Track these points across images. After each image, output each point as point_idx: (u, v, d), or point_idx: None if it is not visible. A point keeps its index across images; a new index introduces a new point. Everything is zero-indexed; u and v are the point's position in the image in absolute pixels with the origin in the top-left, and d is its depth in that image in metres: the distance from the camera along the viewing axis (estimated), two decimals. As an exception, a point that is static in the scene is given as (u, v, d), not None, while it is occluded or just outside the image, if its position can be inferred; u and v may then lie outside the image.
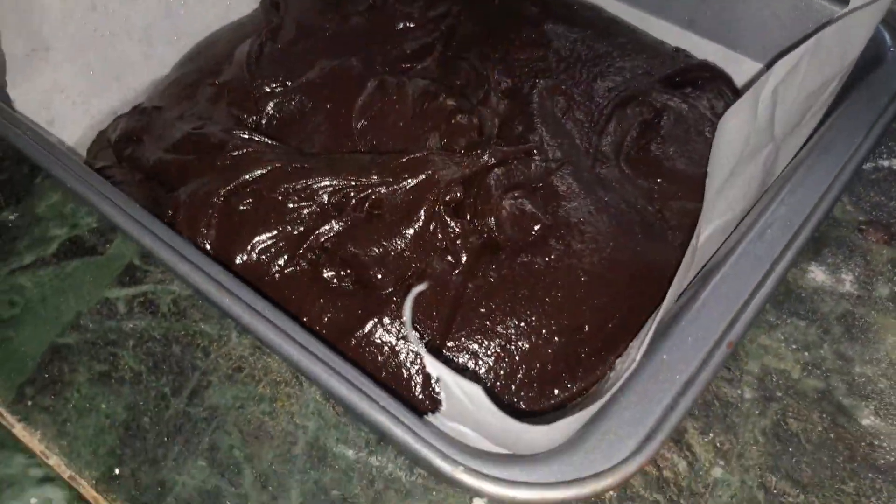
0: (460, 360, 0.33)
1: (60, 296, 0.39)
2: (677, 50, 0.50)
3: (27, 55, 0.41)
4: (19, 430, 0.35)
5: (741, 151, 0.33)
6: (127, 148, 0.42)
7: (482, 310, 0.34)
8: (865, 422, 0.37)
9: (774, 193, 0.36)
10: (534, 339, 0.34)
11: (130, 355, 0.37)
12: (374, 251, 0.35)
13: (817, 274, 0.43)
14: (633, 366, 0.28)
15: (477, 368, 0.33)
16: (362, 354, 0.33)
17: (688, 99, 0.45)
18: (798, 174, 0.36)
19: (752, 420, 0.37)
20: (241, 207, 0.37)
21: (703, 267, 0.35)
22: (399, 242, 0.35)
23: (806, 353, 0.39)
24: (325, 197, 0.37)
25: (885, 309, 0.41)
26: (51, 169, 0.35)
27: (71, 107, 0.44)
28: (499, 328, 0.34)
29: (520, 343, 0.33)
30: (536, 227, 0.36)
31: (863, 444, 0.36)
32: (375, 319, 0.33)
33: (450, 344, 0.33)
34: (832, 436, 0.37)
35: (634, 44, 0.50)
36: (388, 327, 0.33)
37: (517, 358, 0.33)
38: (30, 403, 0.36)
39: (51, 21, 0.42)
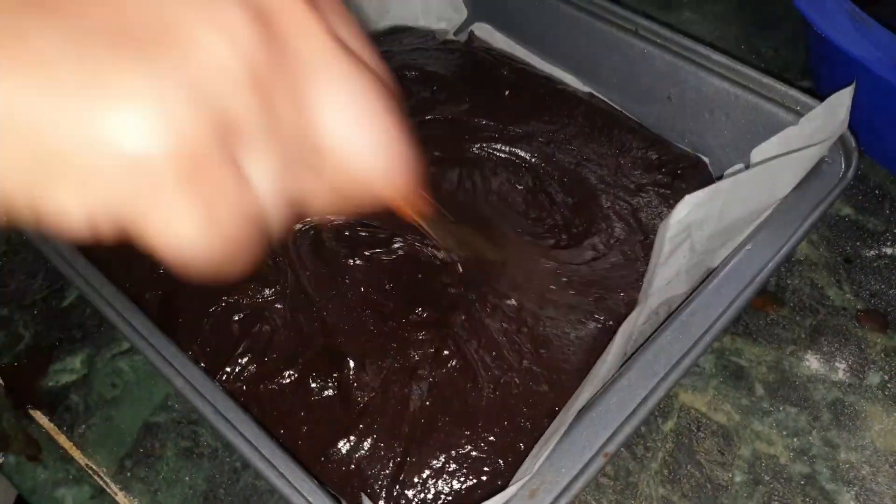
0: (423, 475, 0.39)
1: (151, 379, 0.47)
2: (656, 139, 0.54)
3: None
4: (121, 497, 0.43)
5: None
6: None
7: (439, 423, 0.39)
8: (845, 506, 0.41)
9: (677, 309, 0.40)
10: (481, 445, 0.39)
11: (209, 433, 0.45)
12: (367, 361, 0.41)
13: (812, 362, 0.47)
14: (530, 475, 0.34)
15: (439, 477, 0.39)
16: (333, 468, 0.39)
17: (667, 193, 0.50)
18: (697, 299, 0.40)
19: (739, 502, 0.42)
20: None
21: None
22: (388, 359, 0.41)
23: (795, 440, 0.44)
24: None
25: (874, 397, 0.45)
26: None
27: None
28: (452, 440, 0.39)
29: (469, 450, 0.39)
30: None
31: (841, 527, 0.41)
32: (345, 440, 0.39)
33: (412, 460, 0.39)
34: (813, 519, 0.41)
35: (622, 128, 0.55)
36: (357, 447, 0.39)
37: (468, 462, 0.39)
38: (128, 474, 0.44)
39: None
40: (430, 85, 0.55)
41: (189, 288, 0.45)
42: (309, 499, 0.34)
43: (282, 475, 0.34)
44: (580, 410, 0.36)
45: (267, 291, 0.44)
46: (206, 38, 0.17)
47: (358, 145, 0.20)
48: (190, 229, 0.18)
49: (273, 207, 0.19)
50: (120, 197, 0.17)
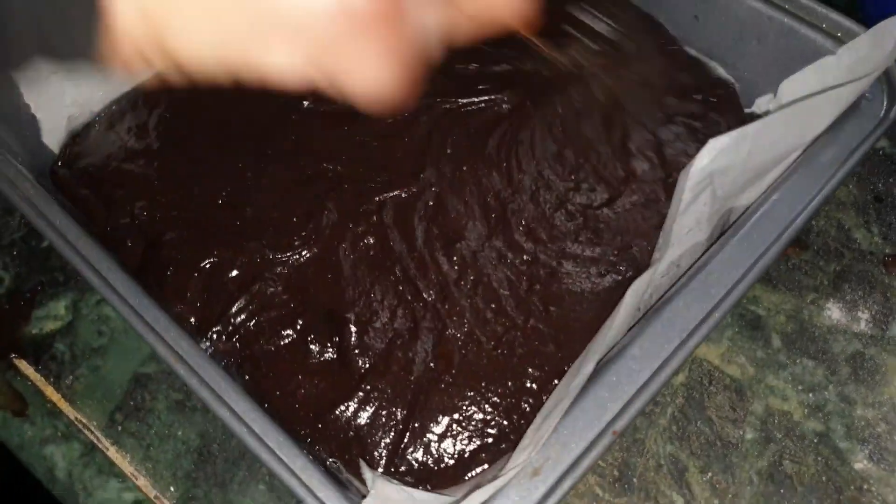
0: (426, 438, 0.37)
1: (139, 327, 0.45)
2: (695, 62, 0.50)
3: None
4: (112, 452, 0.42)
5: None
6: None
7: (441, 385, 0.38)
8: (858, 466, 0.40)
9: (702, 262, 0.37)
10: (486, 408, 0.38)
11: (200, 385, 0.43)
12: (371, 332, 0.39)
13: (834, 311, 0.44)
14: (533, 448, 0.32)
15: (442, 442, 0.37)
16: (331, 435, 0.37)
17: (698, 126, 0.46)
18: (718, 256, 0.37)
19: (749, 461, 0.40)
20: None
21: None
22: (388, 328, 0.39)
23: (810, 395, 0.42)
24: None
25: (896, 350, 0.43)
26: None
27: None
28: (457, 402, 0.38)
29: (473, 412, 0.38)
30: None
31: (852, 487, 0.40)
32: (345, 405, 0.37)
33: (415, 424, 0.37)
34: (824, 478, 0.40)
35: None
36: (357, 413, 0.38)
37: (472, 425, 0.37)
38: (119, 429, 0.42)
39: None
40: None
41: (176, 239, 0.42)
42: (300, 475, 0.32)
43: (270, 449, 0.33)
44: (588, 380, 0.34)
45: (268, 252, 0.42)
46: None
47: None
48: (380, 68, 0.22)
49: (432, 40, 0.23)
50: (323, 49, 0.21)
